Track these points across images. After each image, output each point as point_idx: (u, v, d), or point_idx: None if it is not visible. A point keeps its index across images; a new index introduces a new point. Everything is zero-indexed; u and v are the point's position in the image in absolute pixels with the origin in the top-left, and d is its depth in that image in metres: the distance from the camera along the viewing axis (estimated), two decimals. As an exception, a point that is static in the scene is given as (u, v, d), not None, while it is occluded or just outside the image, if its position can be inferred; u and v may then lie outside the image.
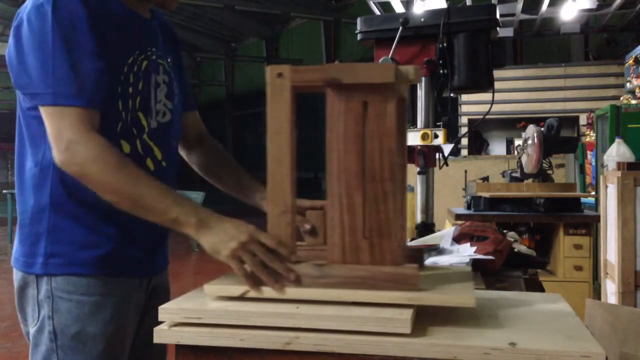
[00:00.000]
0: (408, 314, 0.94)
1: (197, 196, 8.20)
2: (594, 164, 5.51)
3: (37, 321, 1.26)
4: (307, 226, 1.27)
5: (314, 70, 1.03)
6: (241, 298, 1.03)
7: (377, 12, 6.38)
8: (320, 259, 1.06)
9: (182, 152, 1.57)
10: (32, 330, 1.28)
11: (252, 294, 1.03)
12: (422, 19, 2.19)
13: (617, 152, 3.70)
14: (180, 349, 1.01)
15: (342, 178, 1.02)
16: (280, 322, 0.97)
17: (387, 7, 6.41)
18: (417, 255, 1.23)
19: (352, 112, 1.02)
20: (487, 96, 2.23)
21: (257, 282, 1.04)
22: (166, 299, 1.47)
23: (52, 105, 1.17)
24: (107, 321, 1.26)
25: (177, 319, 1.01)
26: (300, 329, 0.96)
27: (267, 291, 1.03)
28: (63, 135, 1.16)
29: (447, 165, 2.27)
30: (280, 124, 1.05)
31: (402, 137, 1.19)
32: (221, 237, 1.10)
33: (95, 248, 1.26)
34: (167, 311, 1.02)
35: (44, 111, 1.19)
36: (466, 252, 1.61)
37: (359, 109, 1.02)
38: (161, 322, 1.43)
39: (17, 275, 1.30)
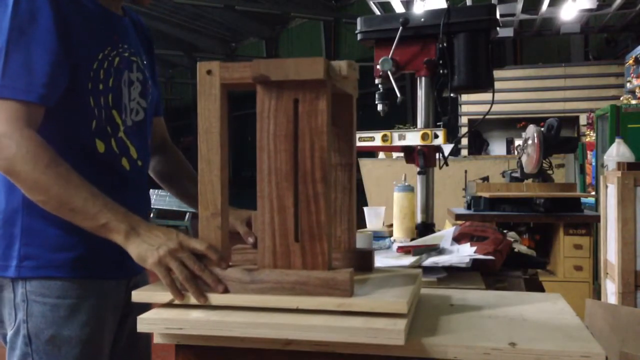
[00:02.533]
0: (402, 324, 0.90)
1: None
2: (594, 164, 5.51)
3: (14, 325, 1.24)
4: (251, 239, 1.24)
5: (243, 67, 1.00)
6: (226, 307, 0.99)
7: (377, 12, 6.39)
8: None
9: None
10: (9, 333, 1.25)
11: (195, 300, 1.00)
12: (422, 19, 2.19)
13: (617, 152, 3.70)
14: (180, 349, 1.00)
15: (273, 179, 0.99)
16: (267, 333, 0.93)
17: (387, 7, 6.41)
18: (366, 258, 1.17)
19: (283, 109, 0.98)
20: (487, 96, 2.23)
21: (180, 292, 1.00)
22: None
23: None
24: (83, 324, 1.24)
25: (157, 329, 0.97)
26: (287, 340, 0.93)
27: (193, 299, 1.00)
28: None
29: (447, 165, 2.27)
30: (210, 123, 1.02)
31: (349, 136, 1.14)
32: (149, 244, 1.06)
33: (69, 250, 1.24)
34: (147, 321, 0.97)
35: None
36: (466, 252, 1.61)
37: (289, 107, 0.98)
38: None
39: None
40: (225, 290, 0.99)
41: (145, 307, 1.45)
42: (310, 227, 0.98)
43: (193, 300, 1.00)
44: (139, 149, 1.36)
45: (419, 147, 2.15)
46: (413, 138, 2.16)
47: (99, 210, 1.11)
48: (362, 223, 2.21)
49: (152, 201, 6.91)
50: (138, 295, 1.04)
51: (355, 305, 0.94)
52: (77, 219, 1.13)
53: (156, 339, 1.00)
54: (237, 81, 1.01)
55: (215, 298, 0.99)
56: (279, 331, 0.92)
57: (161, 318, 0.97)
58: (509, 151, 7.53)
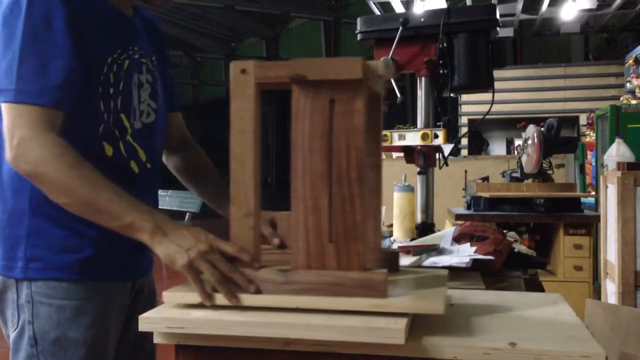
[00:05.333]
0: (402, 323, 0.90)
1: (196, 197, 8.16)
2: (594, 164, 5.51)
3: (17, 326, 1.23)
4: (276, 241, 1.22)
5: (279, 66, 0.98)
6: (228, 307, 0.98)
7: (377, 12, 6.39)
8: (289, 263, 1.01)
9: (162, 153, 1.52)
10: (12, 334, 1.25)
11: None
12: (422, 19, 2.19)
13: (617, 152, 3.70)
14: (180, 349, 1.00)
15: (307, 179, 0.97)
16: (268, 332, 0.93)
17: (387, 7, 6.41)
18: (393, 259, 1.17)
19: (319, 109, 0.97)
20: (487, 96, 2.23)
21: (209, 296, 0.99)
22: (152, 300, 1.45)
23: (13, 102, 1.13)
24: (88, 325, 1.23)
25: (159, 328, 0.97)
26: (288, 339, 0.93)
27: (222, 299, 0.99)
28: (16, 132, 1.11)
29: (447, 165, 2.27)
30: (244, 123, 1.00)
31: (376, 136, 1.12)
32: (178, 246, 1.04)
33: (75, 252, 1.23)
34: (148, 320, 0.97)
35: (4, 107, 1.14)
36: (466, 252, 1.61)
37: (325, 107, 0.97)
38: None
39: None
40: (258, 291, 0.98)
41: (152, 307, 1.45)
42: (345, 227, 0.96)
43: (222, 301, 0.98)
44: (147, 151, 1.35)
45: (419, 147, 2.14)
46: (413, 138, 2.16)
47: (123, 209, 1.09)
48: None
49: (152, 201, 6.93)
50: (169, 297, 1.02)
51: (393, 307, 0.93)
52: (102, 220, 1.12)
53: (156, 339, 1.00)
54: (272, 80, 1.00)
55: (247, 299, 0.98)
56: (280, 330, 0.92)
57: (162, 317, 0.97)
58: (509, 151, 7.53)
